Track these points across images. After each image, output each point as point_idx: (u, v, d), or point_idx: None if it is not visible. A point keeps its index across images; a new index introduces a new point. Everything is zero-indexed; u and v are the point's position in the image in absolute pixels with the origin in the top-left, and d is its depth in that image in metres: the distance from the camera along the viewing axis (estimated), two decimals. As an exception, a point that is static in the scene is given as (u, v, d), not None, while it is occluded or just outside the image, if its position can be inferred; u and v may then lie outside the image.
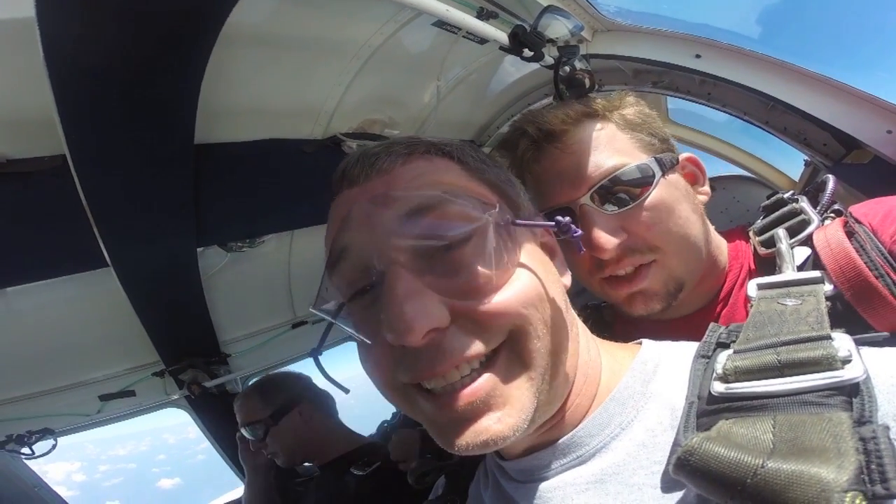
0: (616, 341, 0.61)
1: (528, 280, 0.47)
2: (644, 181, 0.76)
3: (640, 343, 0.58)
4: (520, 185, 0.59)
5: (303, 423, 1.66)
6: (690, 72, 1.41)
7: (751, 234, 0.84)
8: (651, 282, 0.79)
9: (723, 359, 0.46)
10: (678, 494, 0.42)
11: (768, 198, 0.86)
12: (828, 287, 0.60)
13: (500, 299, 0.45)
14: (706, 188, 0.88)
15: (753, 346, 0.46)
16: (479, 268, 0.45)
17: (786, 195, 0.83)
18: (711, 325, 0.54)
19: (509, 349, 0.46)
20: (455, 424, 0.44)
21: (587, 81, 1.23)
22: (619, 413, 0.51)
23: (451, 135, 2.13)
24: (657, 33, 1.45)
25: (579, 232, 0.51)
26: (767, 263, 0.75)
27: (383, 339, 0.44)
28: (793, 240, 0.72)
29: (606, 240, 0.75)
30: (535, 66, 1.39)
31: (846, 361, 0.40)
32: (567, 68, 1.27)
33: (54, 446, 1.92)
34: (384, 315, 0.44)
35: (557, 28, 1.32)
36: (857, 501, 0.31)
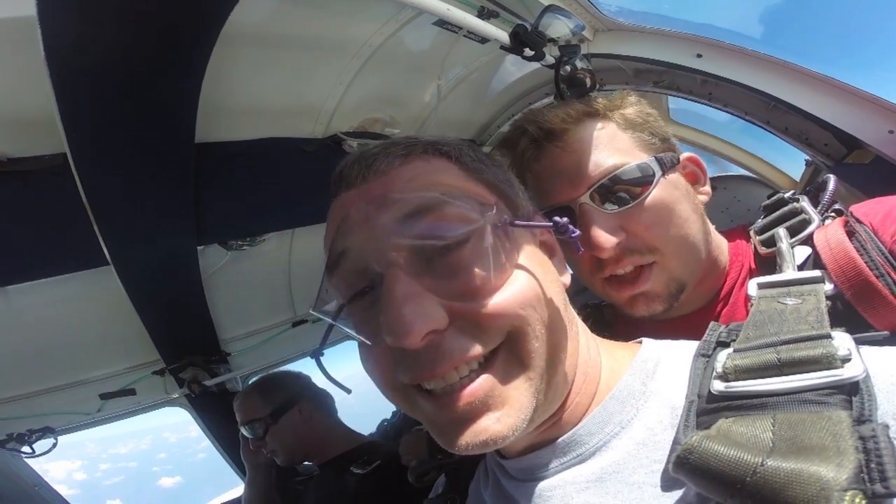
0: (616, 340, 0.61)
1: (527, 281, 0.47)
2: (644, 180, 0.76)
3: (641, 342, 0.58)
4: (518, 185, 0.59)
5: (302, 422, 1.67)
6: (692, 71, 1.40)
7: (751, 233, 0.83)
8: (653, 284, 0.79)
9: (723, 357, 0.46)
10: (678, 493, 0.42)
11: (769, 197, 0.85)
12: (828, 286, 0.60)
13: (498, 300, 0.45)
14: (707, 188, 0.88)
15: (753, 344, 0.46)
16: (477, 269, 0.45)
17: (787, 195, 0.83)
18: (712, 323, 0.54)
19: (507, 350, 0.46)
20: (455, 424, 0.45)
21: (588, 81, 1.23)
22: (619, 412, 0.51)
23: (451, 134, 2.12)
24: (658, 33, 1.45)
25: (577, 232, 0.51)
26: (768, 263, 0.75)
27: (383, 341, 0.44)
28: (793, 239, 0.72)
29: (605, 239, 0.74)
30: (535, 65, 1.39)
31: (846, 360, 0.40)
32: (568, 68, 1.27)
33: (55, 445, 1.92)
34: (383, 317, 0.44)
35: (558, 27, 1.32)
36: (857, 500, 0.31)
